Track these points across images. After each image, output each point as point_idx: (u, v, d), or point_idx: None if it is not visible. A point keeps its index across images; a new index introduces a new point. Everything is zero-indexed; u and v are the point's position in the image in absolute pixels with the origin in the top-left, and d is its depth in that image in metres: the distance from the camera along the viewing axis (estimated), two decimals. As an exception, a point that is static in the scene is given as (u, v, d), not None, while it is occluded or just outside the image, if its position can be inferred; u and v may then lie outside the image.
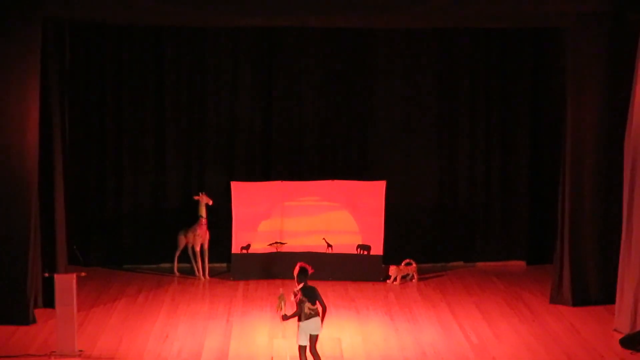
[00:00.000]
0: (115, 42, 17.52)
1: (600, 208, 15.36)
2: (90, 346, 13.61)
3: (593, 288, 15.52)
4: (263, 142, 17.91)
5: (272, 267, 17.04)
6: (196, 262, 17.14)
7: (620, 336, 13.92)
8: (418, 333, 14.31)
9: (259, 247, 17.12)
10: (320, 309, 12.21)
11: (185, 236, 17.11)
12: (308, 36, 17.62)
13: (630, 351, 13.48)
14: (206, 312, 15.31)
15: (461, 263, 18.20)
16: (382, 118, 17.94)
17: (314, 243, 16.98)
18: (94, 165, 17.79)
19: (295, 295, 12.26)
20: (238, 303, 15.78)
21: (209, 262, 17.21)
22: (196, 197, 16.97)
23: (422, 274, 17.26)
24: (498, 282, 17.00)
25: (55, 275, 13.32)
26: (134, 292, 16.29)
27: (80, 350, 13.32)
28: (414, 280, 17.01)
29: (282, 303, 12.39)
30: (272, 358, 13.31)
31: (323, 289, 12.84)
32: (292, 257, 16.84)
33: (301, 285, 12.27)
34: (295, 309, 12.25)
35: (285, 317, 12.33)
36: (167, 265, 17.58)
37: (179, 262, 17.29)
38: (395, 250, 17.29)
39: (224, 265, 17.60)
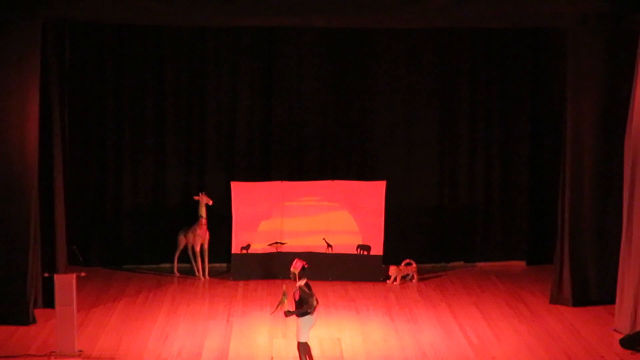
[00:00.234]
0: (115, 42, 17.52)
1: (600, 208, 15.36)
2: (90, 346, 13.60)
3: (593, 288, 15.51)
4: (263, 142, 17.91)
5: (272, 267, 17.04)
6: (196, 262, 17.14)
7: (620, 336, 13.92)
8: (418, 333, 14.31)
9: (259, 247, 17.11)
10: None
11: (185, 236, 17.11)
12: (308, 36, 17.62)
13: (630, 351, 13.48)
14: (206, 312, 15.31)
15: (461, 263, 18.20)
16: (382, 118, 17.94)
17: (314, 243, 16.98)
18: (94, 165, 17.79)
19: (295, 292, 12.32)
20: (238, 303, 15.78)
21: (209, 262, 17.21)
22: (196, 197, 16.97)
23: (422, 274, 17.26)
24: (498, 282, 17.00)
25: (55, 275, 13.32)
26: (133, 292, 16.29)
27: (80, 351, 13.31)
28: (414, 281, 17.00)
29: (285, 300, 12.44)
30: (272, 358, 13.32)
31: (323, 288, 12.90)
32: (292, 257, 16.85)
33: (305, 280, 12.38)
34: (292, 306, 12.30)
35: (288, 313, 12.41)
36: (167, 265, 17.58)
37: (179, 262, 17.29)
38: (395, 250, 17.28)
39: (224, 265, 17.60)
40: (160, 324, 14.67)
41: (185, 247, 17.18)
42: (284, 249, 17.07)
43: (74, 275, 13.26)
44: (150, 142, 17.76)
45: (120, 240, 17.86)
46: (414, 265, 17.07)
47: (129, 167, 17.74)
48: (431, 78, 17.94)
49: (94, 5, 14.78)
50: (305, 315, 12.35)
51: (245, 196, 17.02)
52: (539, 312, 15.27)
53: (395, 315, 15.14)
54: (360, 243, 17.12)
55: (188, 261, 17.25)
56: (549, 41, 17.69)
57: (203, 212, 16.94)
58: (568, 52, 15.35)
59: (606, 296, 15.19)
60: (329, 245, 17.11)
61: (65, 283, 13.14)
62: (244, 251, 17.08)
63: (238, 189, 17.03)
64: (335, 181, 17.18)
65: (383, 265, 17.04)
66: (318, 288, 12.46)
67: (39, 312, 14.78)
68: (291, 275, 12.62)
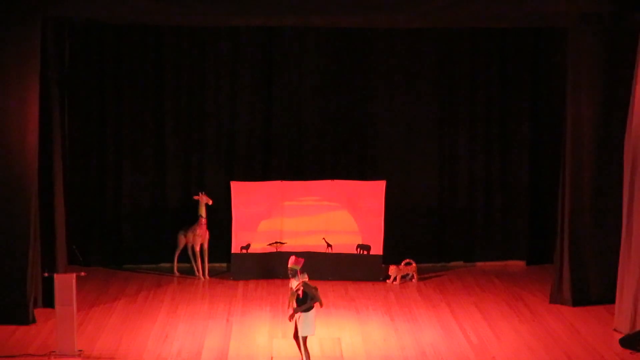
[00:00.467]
0: (115, 42, 17.52)
1: (600, 208, 15.36)
2: (90, 346, 13.61)
3: (593, 288, 15.51)
4: (263, 142, 17.90)
5: (272, 267, 17.03)
6: (196, 262, 17.14)
7: (620, 336, 13.92)
8: (418, 333, 14.31)
9: (259, 247, 17.12)
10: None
11: (185, 236, 17.11)
12: (308, 36, 17.62)
13: (630, 351, 13.48)
14: (206, 312, 15.31)
15: (461, 263, 18.19)
16: (382, 118, 17.94)
17: (313, 243, 16.98)
18: (94, 165, 17.79)
19: (299, 289, 12.45)
20: (238, 303, 15.78)
21: (209, 261, 17.21)
22: (196, 197, 16.97)
23: (422, 274, 17.26)
24: (498, 282, 17.00)
25: (55, 275, 13.31)
26: (133, 292, 16.29)
27: (80, 350, 13.31)
28: (413, 280, 17.00)
29: (294, 296, 12.58)
30: (272, 358, 13.32)
31: (323, 288, 12.90)
32: (292, 257, 16.90)
33: (306, 276, 12.55)
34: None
35: (296, 310, 12.51)
36: (167, 265, 17.57)
37: (178, 262, 17.29)
38: (395, 250, 17.28)
39: (224, 265, 17.60)
40: (160, 324, 14.67)
41: (185, 247, 17.18)
42: (284, 248, 17.07)
43: (74, 275, 13.25)
44: (150, 141, 17.76)
45: (120, 240, 17.86)
46: (414, 265, 17.07)
47: (129, 167, 17.73)
48: (431, 78, 17.94)
49: (94, 5, 14.77)
50: (311, 309, 12.45)
51: (245, 196, 17.02)
52: (538, 312, 15.27)
53: (395, 315, 15.14)
54: (360, 243, 17.12)
55: (188, 261, 17.25)
56: (549, 41, 17.69)
57: (203, 211, 16.94)
58: (568, 51, 15.35)
59: (606, 296, 15.19)
60: (328, 245, 17.11)
61: (65, 283, 13.14)
62: (244, 251, 17.08)
63: (238, 188, 17.03)
64: (335, 181, 17.18)
65: (383, 265, 17.04)
66: (318, 288, 12.48)
67: (38, 312, 14.78)
68: (290, 272, 12.69)
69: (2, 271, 14.52)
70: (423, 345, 13.77)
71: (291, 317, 12.68)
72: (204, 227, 16.99)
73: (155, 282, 16.92)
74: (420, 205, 18.02)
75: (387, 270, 16.92)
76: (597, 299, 15.42)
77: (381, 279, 16.96)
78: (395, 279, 16.89)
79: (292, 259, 12.82)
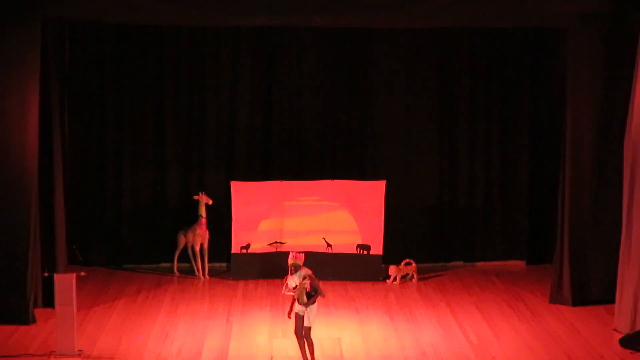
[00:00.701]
0: (115, 42, 17.52)
1: (600, 208, 15.36)
2: (90, 346, 13.61)
3: (593, 288, 15.51)
4: (263, 142, 17.90)
5: (272, 266, 17.02)
6: (196, 261, 17.15)
7: (620, 336, 13.92)
8: (418, 333, 14.31)
9: (259, 246, 17.12)
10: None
11: (185, 236, 17.12)
12: (308, 36, 17.63)
13: (630, 351, 13.48)
14: (206, 311, 15.31)
15: (461, 263, 18.20)
16: (382, 118, 17.94)
17: (313, 243, 16.98)
18: (94, 165, 17.79)
19: (306, 283, 12.65)
20: (238, 303, 15.78)
21: (209, 261, 17.21)
22: (196, 197, 16.97)
23: (422, 274, 17.26)
24: (498, 282, 17.00)
25: (55, 275, 13.32)
26: (133, 292, 16.29)
27: (80, 350, 13.32)
28: (413, 280, 17.01)
29: (304, 291, 12.73)
30: (271, 358, 13.32)
31: (323, 288, 12.89)
32: (292, 257, 16.89)
33: (309, 270, 12.72)
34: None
35: (306, 305, 12.68)
36: (166, 264, 17.58)
37: (178, 261, 17.29)
38: (395, 250, 17.28)
39: (224, 265, 17.60)
40: (160, 324, 14.67)
41: (185, 247, 17.19)
42: (284, 248, 17.05)
43: (74, 275, 13.26)
44: (150, 141, 17.76)
45: (120, 239, 17.86)
46: (414, 264, 17.07)
47: (129, 166, 17.74)
48: (431, 78, 17.94)
49: (94, 5, 14.78)
50: (314, 302, 12.73)
51: (245, 196, 17.02)
52: (538, 312, 15.27)
53: (395, 315, 15.15)
54: (360, 242, 17.12)
55: (188, 261, 17.26)
56: (549, 41, 17.69)
57: (203, 211, 16.95)
58: (568, 52, 15.36)
59: (606, 296, 15.19)
60: (328, 245, 17.11)
61: (65, 283, 13.14)
62: (244, 251, 17.09)
63: (238, 188, 17.03)
64: (335, 181, 17.18)
65: (383, 265, 17.04)
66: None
67: (38, 312, 14.78)
68: (293, 269, 12.76)
69: (2, 271, 14.52)
70: (423, 345, 13.77)
71: (290, 313, 12.78)
72: (204, 227, 16.99)
73: (155, 282, 16.93)
74: (420, 205, 18.02)
75: (387, 270, 16.93)
76: (597, 299, 15.42)
77: (381, 279, 16.96)
78: (395, 279, 16.89)
79: (292, 255, 12.89)
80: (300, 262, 12.81)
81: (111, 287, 16.57)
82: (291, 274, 12.83)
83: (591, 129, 15.23)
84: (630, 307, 14.08)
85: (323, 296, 12.89)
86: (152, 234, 17.78)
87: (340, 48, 17.79)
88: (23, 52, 14.45)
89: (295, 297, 12.74)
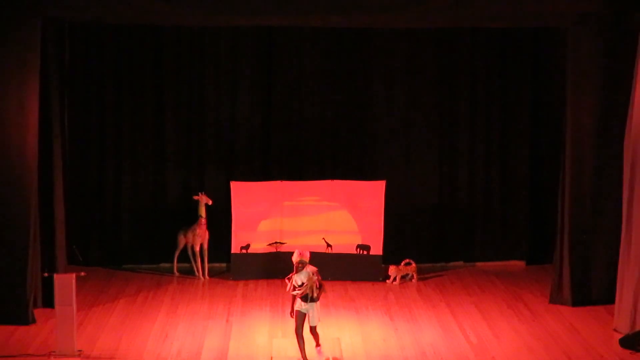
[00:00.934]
0: (115, 42, 17.52)
1: (600, 208, 15.35)
2: (90, 346, 13.61)
3: (593, 288, 15.51)
4: (263, 142, 17.91)
5: (271, 267, 17.03)
6: (196, 262, 17.15)
7: (620, 336, 13.91)
8: (418, 333, 14.31)
9: (259, 247, 17.12)
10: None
11: (185, 236, 17.12)
12: (308, 36, 17.63)
13: (630, 351, 13.48)
14: (206, 312, 15.31)
15: (461, 263, 18.20)
16: (382, 118, 17.94)
17: (313, 243, 16.96)
18: (93, 165, 17.80)
19: (316, 278, 12.88)
20: (237, 303, 15.78)
21: (209, 262, 17.21)
22: (196, 197, 16.97)
23: (422, 274, 17.26)
24: (498, 282, 17.00)
25: (55, 275, 13.32)
26: (133, 292, 16.29)
27: (80, 350, 13.32)
28: (413, 280, 17.00)
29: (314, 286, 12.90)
30: (271, 358, 13.32)
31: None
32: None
33: (314, 267, 12.90)
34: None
35: (315, 299, 12.89)
36: (166, 265, 17.58)
37: (178, 262, 17.29)
38: (394, 250, 17.29)
39: (224, 265, 17.60)
40: (159, 324, 14.67)
41: (185, 247, 17.19)
42: (284, 248, 17.07)
43: (74, 275, 13.26)
44: (150, 141, 17.76)
45: (120, 240, 17.87)
46: (414, 265, 17.07)
47: (128, 166, 17.74)
48: (431, 78, 17.94)
49: (94, 5, 14.78)
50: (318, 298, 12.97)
51: (245, 196, 17.02)
52: (538, 312, 15.27)
53: (395, 315, 15.14)
54: (360, 243, 17.12)
55: (188, 261, 17.26)
56: (549, 41, 17.69)
57: (203, 211, 16.95)
58: (568, 52, 15.35)
59: (606, 296, 15.19)
60: (328, 245, 17.11)
61: (65, 283, 13.14)
62: (244, 251, 17.09)
63: (238, 188, 17.03)
64: (335, 181, 17.18)
65: (382, 265, 17.04)
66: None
67: (38, 312, 14.78)
68: (300, 265, 12.89)
69: (1, 271, 14.52)
70: (423, 346, 13.77)
71: (292, 313, 12.91)
72: (204, 227, 16.99)
73: (155, 282, 16.93)
74: (420, 205, 18.02)
75: (387, 270, 16.92)
76: (597, 299, 15.42)
77: (381, 279, 16.96)
78: (395, 279, 16.89)
79: (298, 252, 12.99)
80: (307, 260, 12.87)
81: (111, 287, 16.57)
82: (297, 271, 12.87)
83: (591, 128, 15.23)
84: (630, 307, 14.07)
85: (325, 292, 13.07)
86: (152, 234, 17.79)
87: (340, 48, 17.78)
88: (23, 52, 14.45)
89: (306, 293, 12.79)
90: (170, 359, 13.28)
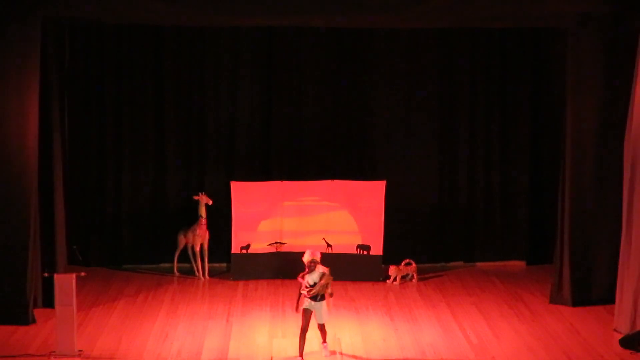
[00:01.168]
0: (115, 42, 17.52)
1: (600, 208, 15.36)
2: (90, 346, 13.61)
3: (593, 288, 15.51)
4: (263, 142, 17.91)
5: (271, 267, 17.04)
6: (196, 262, 17.15)
7: (620, 336, 13.92)
8: (418, 333, 14.31)
9: (259, 247, 17.12)
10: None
11: (185, 236, 17.12)
12: (308, 36, 17.62)
13: (630, 351, 13.48)
14: (206, 312, 15.31)
15: (461, 263, 18.20)
16: (382, 118, 17.94)
17: (313, 243, 16.94)
18: (93, 165, 17.79)
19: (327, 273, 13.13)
20: (238, 303, 15.78)
21: (209, 262, 17.21)
22: (196, 197, 16.97)
23: (422, 274, 17.26)
24: (498, 282, 17.00)
25: (55, 275, 13.31)
26: (133, 292, 16.29)
27: (80, 350, 13.32)
28: (413, 280, 17.01)
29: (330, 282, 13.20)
30: (271, 358, 13.32)
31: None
32: (292, 257, 16.86)
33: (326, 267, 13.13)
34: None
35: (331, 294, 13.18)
36: (166, 265, 17.58)
37: (178, 262, 17.29)
38: (395, 250, 17.28)
39: (224, 265, 17.60)
40: (160, 324, 14.67)
41: (185, 247, 17.19)
42: (284, 248, 17.08)
43: (74, 275, 13.26)
44: (150, 142, 17.76)
45: (120, 240, 17.86)
46: (414, 265, 17.07)
47: (128, 167, 17.74)
48: (431, 78, 17.95)
49: (94, 5, 14.77)
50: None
51: (245, 196, 17.02)
52: (538, 312, 15.27)
53: (395, 315, 15.14)
54: (360, 243, 17.12)
55: (188, 261, 17.26)
56: (549, 41, 17.69)
57: (203, 212, 16.95)
58: (568, 52, 15.35)
59: (606, 296, 15.20)
60: (328, 245, 17.11)
61: (65, 283, 13.14)
62: (244, 251, 17.09)
63: (238, 188, 17.03)
64: (335, 181, 17.18)
65: (383, 265, 17.04)
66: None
67: (38, 312, 14.78)
68: (312, 264, 13.00)
69: (1, 271, 14.51)
70: (423, 346, 13.77)
71: (297, 308, 13.07)
72: (204, 227, 16.99)
73: (155, 282, 16.93)
74: (420, 205, 18.01)
75: (387, 270, 16.93)
76: (597, 299, 15.42)
77: (381, 279, 16.96)
78: (395, 279, 16.89)
79: (310, 252, 13.13)
80: (318, 259, 13.04)
81: (111, 287, 16.57)
82: (310, 271, 12.95)
83: (591, 129, 15.23)
84: (630, 307, 14.07)
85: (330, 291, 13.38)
86: (152, 234, 17.79)
87: (340, 48, 17.78)
88: (23, 52, 14.45)
89: (317, 293, 12.99)
90: (170, 359, 13.28)
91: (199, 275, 17.14)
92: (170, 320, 14.84)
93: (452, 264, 18.16)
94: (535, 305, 15.62)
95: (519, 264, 18.19)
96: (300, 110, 17.89)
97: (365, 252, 17.08)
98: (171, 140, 17.78)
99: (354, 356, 13.40)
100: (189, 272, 17.26)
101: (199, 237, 17.01)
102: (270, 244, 17.13)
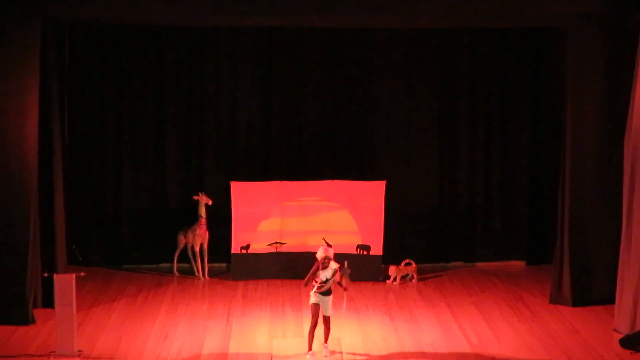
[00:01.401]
0: (115, 42, 17.51)
1: (600, 208, 15.35)
2: (90, 346, 13.61)
3: (593, 288, 15.51)
4: (263, 142, 17.90)
5: (271, 267, 17.04)
6: (196, 262, 17.14)
7: (620, 336, 13.92)
8: (418, 333, 14.31)
9: (259, 247, 17.11)
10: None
11: (185, 236, 17.11)
12: (308, 36, 17.62)
13: (630, 351, 13.48)
14: (206, 312, 15.31)
15: (461, 263, 18.20)
16: (382, 118, 17.94)
17: (313, 243, 16.93)
18: (93, 165, 17.79)
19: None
20: (237, 303, 15.78)
21: (209, 262, 17.21)
22: (196, 197, 16.96)
23: (422, 274, 17.26)
24: (498, 282, 17.00)
25: (55, 275, 13.31)
26: (133, 292, 16.29)
27: (80, 350, 13.32)
28: (413, 280, 17.00)
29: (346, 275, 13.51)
30: (271, 358, 13.32)
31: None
32: (292, 257, 16.90)
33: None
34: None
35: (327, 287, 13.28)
36: (166, 265, 17.58)
37: (178, 262, 17.29)
38: (395, 250, 17.28)
39: (224, 265, 17.60)
40: (159, 324, 14.67)
41: (185, 247, 17.18)
42: (284, 248, 17.08)
43: (74, 275, 13.26)
44: (150, 141, 17.76)
45: (120, 240, 17.85)
46: (414, 265, 17.07)
47: (128, 166, 17.74)
48: (431, 78, 17.94)
49: (94, 5, 14.78)
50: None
51: (245, 196, 17.02)
52: (538, 312, 15.27)
53: (395, 315, 15.14)
54: (360, 243, 17.12)
55: (188, 261, 17.26)
56: (549, 41, 17.69)
57: (203, 212, 16.94)
58: (568, 52, 15.35)
59: (606, 296, 15.19)
60: (328, 245, 17.07)
61: (65, 283, 13.14)
62: (244, 251, 17.08)
63: (238, 188, 17.03)
64: (335, 181, 17.18)
65: (383, 265, 17.04)
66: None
67: (38, 312, 14.78)
68: (325, 261, 13.12)
69: (1, 271, 14.51)
70: (423, 346, 13.77)
71: (307, 282, 13.27)
72: (204, 227, 16.99)
73: (155, 282, 16.92)
74: (420, 205, 18.01)
75: (387, 270, 16.92)
76: (597, 299, 15.41)
77: (381, 279, 16.96)
78: (395, 279, 16.88)
79: (323, 249, 13.24)
80: (331, 256, 13.17)
81: (111, 287, 16.57)
82: (323, 267, 13.08)
83: (591, 129, 15.23)
84: (630, 307, 14.07)
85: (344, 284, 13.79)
86: (152, 234, 17.78)
87: (340, 48, 17.78)
88: (23, 52, 14.45)
89: (342, 284, 13.49)
90: (170, 359, 13.27)
91: (198, 275, 17.14)
92: (170, 320, 14.84)
93: (452, 264, 18.16)
94: (535, 305, 15.62)
95: (519, 264, 18.19)
96: (300, 110, 17.88)
97: (365, 252, 17.08)
98: (171, 140, 17.78)
99: (354, 356, 13.40)
100: (188, 272, 17.26)
101: (199, 237, 17.01)
102: (270, 244, 17.13)
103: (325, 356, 13.23)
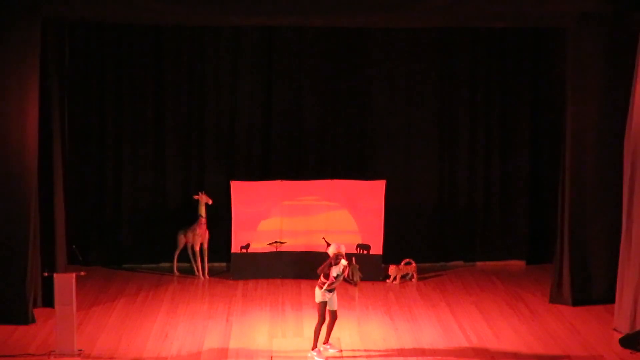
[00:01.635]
0: (115, 42, 17.52)
1: (600, 208, 15.36)
2: (90, 345, 13.61)
3: (593, 288, 15.52)
4: (263, 141, 17.91)
5: (271, 266, 17.04)
6: (196, 261, 17.15)
7: (620, 336, 13.92)
8: (417, 332, 14.31)
9: (259, 246, 17.12)
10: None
11: (185, 235, 17.12)
12: (308, 36, 17.63)
13: (630, 351, 13.48)
14: (206, 311, 15.31)
15: (461, 263, 18.20)
16: (382, 118, 17.94)
17: (313, 242, 16.98)
18: (93, 165, 17.79)
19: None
20: (238, 302, 15.78)
21: (209, 261, 17.21)
22: (196, 197, 16.97)
23: (422, 274, 17.26)
24: (498, 282, 17.00)
25: (55, 275, 13.32)
26: (133, 292, 16.30)
27: (80, 350, 13.32)
28: (413, 280, 17.01)
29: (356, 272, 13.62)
30: (271, 357, 13.32)
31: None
32: (292, 257, 16.91)
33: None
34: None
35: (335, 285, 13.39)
36: (166, 264, 17.58)
37: (178, 261, 17.30)
38: (394, 249, 17.29)
39: (224, 264, 17.61)
40: (159, 323, 14.67)
41: (185, 247, 17.19)
42: (284, 248, 17.08)
43: (74, 275, 13.26)
44: (150, 141, 17.77)
45: (120, 239, 17.86)
46: (414, 264, 17.07)
47: (128, 166, 17.74)
48: (431, 78, 17.95)
49: (94, 5, 14.77)
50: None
51: (245, 195, 17.02)
52: (538, 312, 15.27)
53: (395, 315, 15.15)
54: (360, 242, 17.12)
55: (188, 260, 17.27)
56: (549, 41, 17.69)
57: (203, 211, 16.95)
58: (568, 52, 15.36)
59: (606, 296, 15.20)
60: (328, 245, 17.05)
61: (65, 282, 13.14)
62: (244, 250, 17.09)
63: (238, 188, 17.03)
64: (335, 180, 17.18)
65: (383, 265, 17.04)
66: (317, 286, 12.55)
67: (38, 312, 14.78)
68: (337, 258, 13.31)
69: (1, 271, 14.52)
70: (423, 345, 13.77)
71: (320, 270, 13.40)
72: (204, 226, 17.00)
73: (155, 281, 16.93)
74: (420, 205, 18.02)
75: (387, 270, 16.93)
76: (597, 299, 15.42)
77: (381, 278, 16.96)
78: (395, 278, 16.89)
79: (335, 245, 13.37)
80: (343, 253, 13.33)
81: (111, 287, 16.58)
82: (334, 264, 13.18)
83: (591, 129, 15.24)
84: (630, 307, 14.08)
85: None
86: (152, 234, 17.79)
87: (340, 48, 17.78)
88: (23, 52, 14.45)
89: (354, 280, 13.65)
90: (170, 359, 13.28)
91: (198, 275, 17.14)
92: (170, 320, 14.84)
93: (452, 263, 18.16)
94: (535, 305, 15.62)
95: (519, 264, 18.19)
96: (300, 109, 17.89)
97: (365, 252, 17.08)
98: (171, 139, 17.78)
99: (354, 356, 13.40)
100: (188, 272, 17.26)
101: (199, 236, 17.02)
102: (270, 244, 17.14)
103: (329, 351, 13.31)
